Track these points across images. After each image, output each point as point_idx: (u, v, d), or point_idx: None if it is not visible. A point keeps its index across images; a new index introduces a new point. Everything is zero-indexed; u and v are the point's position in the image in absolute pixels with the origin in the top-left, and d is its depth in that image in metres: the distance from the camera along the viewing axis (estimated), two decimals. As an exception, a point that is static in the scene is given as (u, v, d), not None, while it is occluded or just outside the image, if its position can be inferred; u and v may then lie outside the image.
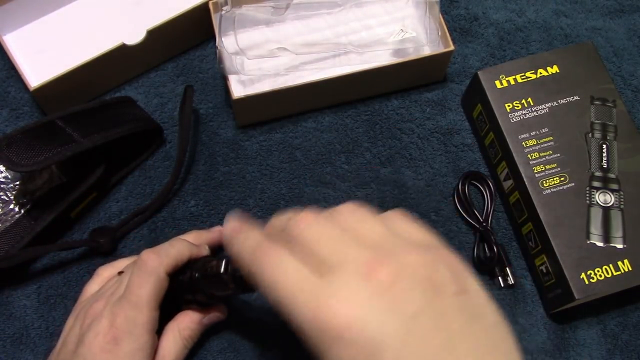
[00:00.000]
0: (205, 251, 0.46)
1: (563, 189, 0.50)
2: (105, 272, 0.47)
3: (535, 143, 0.52)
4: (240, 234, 0.34)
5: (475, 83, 0.55)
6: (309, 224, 0.31)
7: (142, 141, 0.55)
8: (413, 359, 0.27)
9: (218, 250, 0.50)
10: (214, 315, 0.45)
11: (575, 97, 0.53)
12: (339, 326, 0.27)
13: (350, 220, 0.32)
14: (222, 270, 0.40)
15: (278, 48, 0.56)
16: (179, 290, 0.43)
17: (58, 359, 0.41)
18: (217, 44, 0.53)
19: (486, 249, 0.53)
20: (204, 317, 0.45)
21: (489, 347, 0.28)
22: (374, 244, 0.30)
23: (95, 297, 0.43)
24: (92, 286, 0.46)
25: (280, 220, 0.34)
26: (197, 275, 0.42)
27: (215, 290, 0.42)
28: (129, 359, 0.39)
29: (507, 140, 0.52)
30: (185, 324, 0.44)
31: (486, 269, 0.52)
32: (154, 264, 0.41)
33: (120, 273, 0.45)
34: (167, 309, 0.43)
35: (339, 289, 0.28)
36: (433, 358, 0.27)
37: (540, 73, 0.54)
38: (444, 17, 0.57)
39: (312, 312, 0.28)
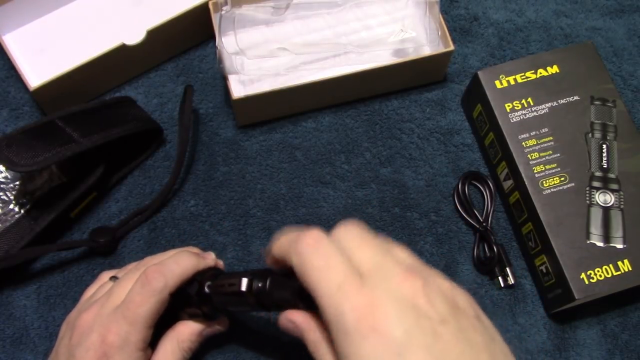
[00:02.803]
0: (211, 261, 0.45)
1: (563, 189, 0.50)
2: (107, 278, 0.46)
3: (535, 143, 0.52)
4: (276, 236, 0.37)
5: (475, 83, 0.55)
6: (351, 231, 0.34)
7: (142, 141, 0.55)
8: None
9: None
10: (215, 328, 0.44)
11: (575, 97, 0.53)
12: (375, 321, 0.30)
13: (383, 241, 0.35)
14: (244, 288, 0.39)
15: (278, 48, 0.56)
16: (183, 303, 0.42)
17: None
18: (217, 44, 0.53)
19: (486, 249, 0.53)
20: (204, 329, 0.43)
21: None
22: (406, 262, 0.34)
23: (85, 306, 0.42)
24: (91, 291, 0.45)
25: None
26: (208, 290, 0.41)
27: (230, 306, 0.41)
28: None
29: (507, 140, 0.52)
30: (185, 336, 0.42)
31: (486, 269, 0.52)
32: (159, 285, 0.40)
33: (112, 278, 0.44)
34: (165, 320, 0.42)
35: (377, 289, 0.31)
36: None
37: (540, 73, 0.54)
38: (444, 17, 0.57)
39: (351, 305, 0.30)
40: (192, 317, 0.43)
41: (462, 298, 0.33)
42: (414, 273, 0.32)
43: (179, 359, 0.42)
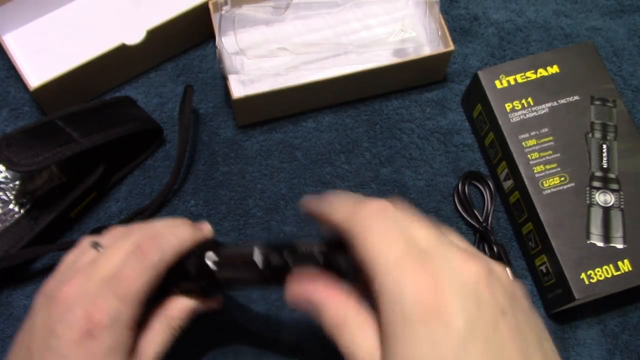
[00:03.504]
0: (208, 233, 0.41)
1: (563, 189, 0.50)
2: (88, 244, 0.40)
3: (535, 143, 0.52)
4: (333, 197, 0.34)
5: (475, 83, 0.55)
6: (404, 207, 0.32)
7: (142, 141, 0.55)
8: (495, 354, 0.28)
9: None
10: (209, 305, 0.41)
11: (575, 97, 0.53)
12: (437, 305, 0.28)
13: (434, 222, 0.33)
14: (260, 264, 0.36)
15: (278, 48, 0.56)
16: (176, 277, 0.39)
17: (29, 351, 0.34)
18: (217, 44, 0.53)
19: (486, 249, 0.53)
20: (197, 306, 0.40)
21: None
22: (463, 246, 0.32)
23: (66, 276, 0.37)
24: (71, 258, 0.39)
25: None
26: (214, 263, 0.38)
27: (237, 282, 0.38)
28: (106, 354, 0.34)
29: (507, 140, 0.52)
30: (176, 313, 0.39)
31: (486, 269, 0.52)
32: (155, 259, 0.36)
33: (94, 245, 0.39)
34: (154, 295, 0.37)
35: (440, 269, 0.29)
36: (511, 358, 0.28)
37: (540, 73, 0.54)
38: (444, 17, 0.57)
39: (413, 285, 0.28)
40: (185, 292, 0.40)
41: (519, 290, 0.32)
42: (477, 258, 0.30)
43: (169, 337, 0.38)
